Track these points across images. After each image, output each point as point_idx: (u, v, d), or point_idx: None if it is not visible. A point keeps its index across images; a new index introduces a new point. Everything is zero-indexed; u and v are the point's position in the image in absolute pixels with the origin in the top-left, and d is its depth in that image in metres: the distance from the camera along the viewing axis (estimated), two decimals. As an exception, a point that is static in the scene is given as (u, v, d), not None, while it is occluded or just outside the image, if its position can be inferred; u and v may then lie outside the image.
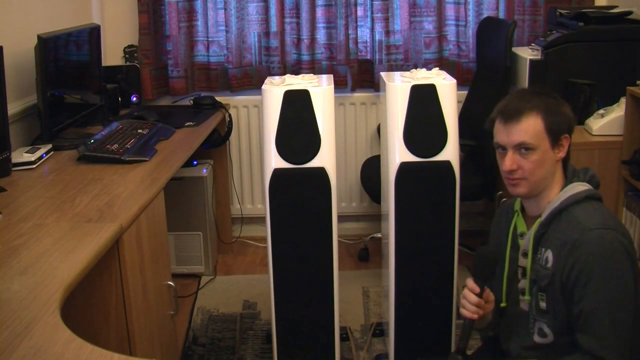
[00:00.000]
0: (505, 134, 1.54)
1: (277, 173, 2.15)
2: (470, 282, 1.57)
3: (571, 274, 1.44)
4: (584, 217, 1.47)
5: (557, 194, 1.54)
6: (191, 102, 3.33)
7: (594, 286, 1.42)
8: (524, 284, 1.59)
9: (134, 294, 1.84)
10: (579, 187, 1.53)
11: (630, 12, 2.85)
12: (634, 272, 1.44)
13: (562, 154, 1.55)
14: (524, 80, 2.87)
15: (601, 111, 2.61)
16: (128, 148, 2.36)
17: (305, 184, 2.15)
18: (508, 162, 1.53)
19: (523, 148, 1.51)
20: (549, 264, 1.50)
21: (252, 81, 3.51)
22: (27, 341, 1.20)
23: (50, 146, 2.43)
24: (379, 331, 2.71)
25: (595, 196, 1.53)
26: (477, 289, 1.55)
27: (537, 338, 1.56)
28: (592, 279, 1.42)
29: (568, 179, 1.56)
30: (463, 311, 1.56)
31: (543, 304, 1.52)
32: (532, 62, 2.83)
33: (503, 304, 1.66)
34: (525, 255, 1.58)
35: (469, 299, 1.55)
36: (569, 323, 1.49)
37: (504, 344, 1.69)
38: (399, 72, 2.37)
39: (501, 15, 3.35)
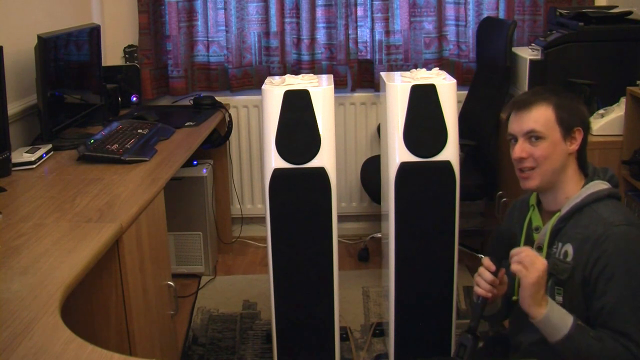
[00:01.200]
0: (516, 123, 1.57)
1: (277, 173, 2.15)
2: (486, 260, 1.55)
3: (594, 268, 1.45)
4: (607, 214, 1.49)
5: (577, 190, 1.55)
6: (191, 102, 3.33)
7: (618, 281, 1.43)
8: None
9: (134, 294, 1.84)
10: (601, 185, 1.55)
11: (630, 12, 2.84)
12: None
13: (574, 147, 1.56)
14: (524, 80, 2.87)
15: (601, 111, 2.61)
16: (128, 148, 2.36)
17: (305, 184, 2.15)
18: (518, 149, 1.55)
19: (533, 137, 1.54)
20: (569, 258, 1.51)
21: (252, 81, 3.51)
22: (27, 341, 1.20)
23: (50, 146, 2.43)
24: (379, 331, 2.71)
25: (617, 195, 1.55)
26: (493, 267, 1.53)
27: None
28: (616, 273, 1.43)
29: (589, 177, 1.58)
30: (477, 289, 1.55)
31: (559, 298, 1.52)
32: (532, 62, 2.82)
33: (515, 297, 1.65)
34: (539, 249, 1.59)
35: (484, 276, 1.54)
36: (587, 317, 1.49)
37: (512, 338, 1.69)
38: (399, 72, 2.37)
39: (501, 15, 3.35)
